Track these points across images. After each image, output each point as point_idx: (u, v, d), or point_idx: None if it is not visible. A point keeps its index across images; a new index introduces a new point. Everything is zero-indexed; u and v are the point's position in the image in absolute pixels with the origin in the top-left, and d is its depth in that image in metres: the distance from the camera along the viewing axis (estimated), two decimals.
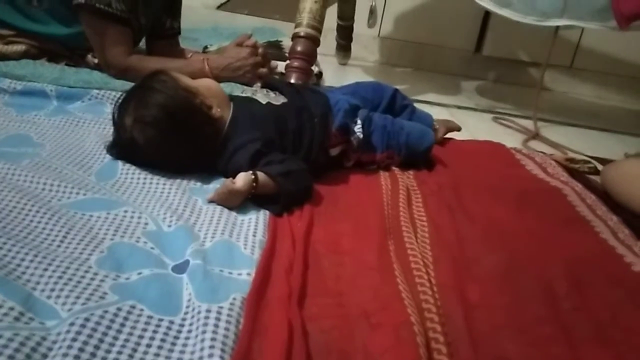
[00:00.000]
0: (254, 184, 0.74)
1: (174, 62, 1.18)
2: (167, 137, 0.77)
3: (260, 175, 0.75)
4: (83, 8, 1.10)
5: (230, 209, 0.73)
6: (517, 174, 1.04)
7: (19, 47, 1.15)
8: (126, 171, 0.78)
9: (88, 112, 1.00)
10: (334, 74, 1.80)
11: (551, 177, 1.03)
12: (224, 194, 0.73)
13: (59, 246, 0.60)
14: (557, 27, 1.42)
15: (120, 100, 0.81)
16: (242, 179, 0.74)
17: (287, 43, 1.49)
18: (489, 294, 0.64)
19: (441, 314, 0.58)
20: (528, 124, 1.47)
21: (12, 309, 0.49)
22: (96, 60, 1.17)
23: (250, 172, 0.75)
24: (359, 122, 0.92)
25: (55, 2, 1.14)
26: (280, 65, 1.32)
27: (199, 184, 0.80)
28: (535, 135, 1.40)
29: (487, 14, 2.00)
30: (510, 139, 1.32)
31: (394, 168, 0.97)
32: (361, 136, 0.91)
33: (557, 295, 0.65)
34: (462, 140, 1.18)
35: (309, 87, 0.99)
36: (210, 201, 0.74)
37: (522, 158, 1.13)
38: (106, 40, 1.13)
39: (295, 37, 1.26)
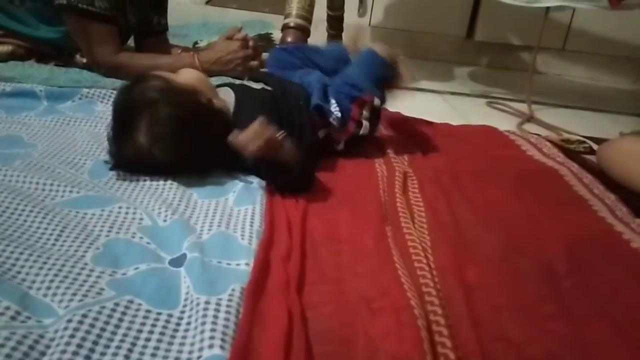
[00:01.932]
0: (281, 140, 0.74)
1: (164, 59, 1.17)
2: (186, 145, 0.76)
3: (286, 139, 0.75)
4: (65, 8, 1.09)
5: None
6: (514, 155, 1.04)
7: (6, 48, 1.14)
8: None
9: (79, 111, 0.99)
10: None
11: (547, 157, 1.03)
12: (254, 131, 0.71)
13: (54, 244, 0.59)
14: (548, 9, 1.41)
15: (117, 117, 0.76)
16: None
17: (277, 35, 1.48)
18: (488, 275, 0.64)
19: (441, 296, 0.58)
20: (522, 107, 1.47)
21: (7, 308, 0.48)
22: (85, 60, 1.16)
23: None
24: (332, 100, 0.91)
25: (38, 3, 1.12)
26: None
27: (193, 177, 0.79)
28: (530, 118, 1.40)
29: (478, 0, 2.00)
30: (505, 123, 1.31)
31: (389, 152, 0.96)
32: (339, 114, 0.90)
33: (557, 274, 0.65)
34: (457, 125, 1.17)
35: (288, 79, 0.97)
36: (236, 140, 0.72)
37: (518, 139, 1.12)
38: (92, 39, 1.11)
39: (285, 27, 1.25)
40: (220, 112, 0.81)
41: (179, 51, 1.32)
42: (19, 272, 0.54)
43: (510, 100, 1.56)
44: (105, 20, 1.11)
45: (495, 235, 0.72)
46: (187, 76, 0.83)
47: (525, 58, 2.08)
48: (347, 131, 0.91)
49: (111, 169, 0.77)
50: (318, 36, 1.77)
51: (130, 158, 0.76)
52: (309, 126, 0.86)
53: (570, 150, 1.12)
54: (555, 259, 0.67)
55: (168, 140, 0.74)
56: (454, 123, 1.20)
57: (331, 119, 0.90)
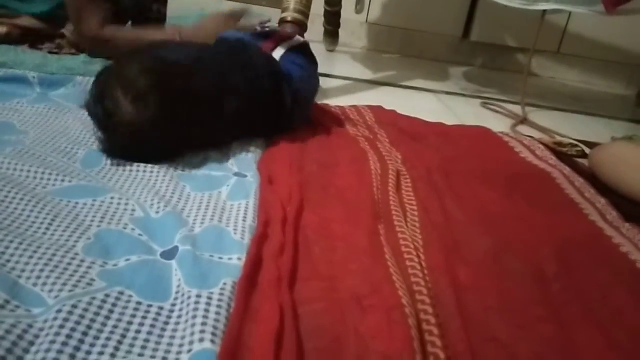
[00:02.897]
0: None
1: (148, 34, 1.16)
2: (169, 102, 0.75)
3: None
4: None
5: None
6: (507, 157, 1.04)
7: (0, 29, 1.12)
8: (112, 158, 0.77)
9: (72, 100, 0.98)
10: (322, 61, 1.77)
11: (540, 160, 1.03)
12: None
13: (44, 234, 0.59)
14: (544, 12, 1.42)
15: (95, 98, 0.76)
16: None
17: (274, 24, 1.47)
18: (479, 276, 0.64)
19: (432, 296, 0.58)
20: (516, 109, 1.48)
21: None
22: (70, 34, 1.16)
23: None
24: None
25: None
26: None
27: (187, 170, 0.79)
28: (524, 120, 1.40)
29: (475, 0, 2.00)
30: (499, 124, 1.32)
31: (383, 150, 0.96)
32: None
33: (547, 277, 0.65)
34: (451, 125, 1.18)
35: None
36: None
37: (511, 141, 1.13)
38: (84, 12, 1.12)
39: (282, 22, 1.24)
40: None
41: None
42: (8, 261, 0.53)
43: (505, 101, 1.56)
44: None
45: (486, 236, 0.73)
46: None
47: (520, 60, 2.09)
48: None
49: (103, 150, 0.78)
50: (315, 31, 1.77)
51: (116, 132, 0.75)
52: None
53: (563, 153, 1.13)
54: (545, 262, 0.68)
55: (145, 93, 0.73)
56: (448, 123, 1.21)
57: None
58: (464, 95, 1.63)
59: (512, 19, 1.90)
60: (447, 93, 1.61)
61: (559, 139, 1.26)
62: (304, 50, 1.02)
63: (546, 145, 1.12)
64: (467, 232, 0.73)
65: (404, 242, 0.67)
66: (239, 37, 1.00)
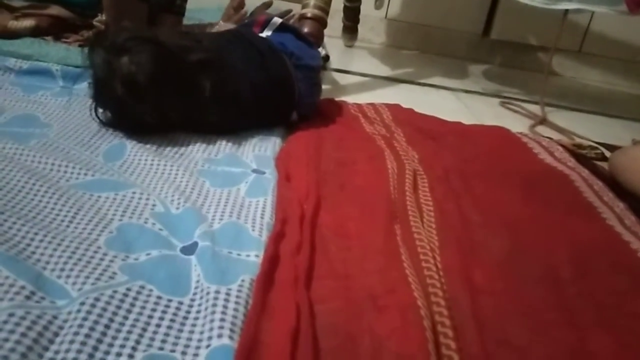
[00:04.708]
0: None
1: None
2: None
3: None
4: None
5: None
6: (525, 158, 1.04)
7: (29, 23, 1.14)
8: (134, 153, 0.78)
9: None
10: (340, 56, 1.79)
11: (558, 162, 1.03)
12: None
13: (67, 226, 0.60)
14: (567, 11, 1.40)
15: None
16: None
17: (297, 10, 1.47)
18: (494, 279, 0.64)
19: (447, 298, 0.58)
20: (535, 108, 1.46)
21: (23, 287, 0.49)
22: (103, 26, 1.17)
23: None
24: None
25: None
26: None
27: (206, 165, 0.80)
28: (543, 120, 1.39)
29: None
30: (518, 124, 1.31)
31: (399, 149, 0.97)
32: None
33: (562, 281, 0.65)
34: (469, 125, 1.17)
35: None
36: None
37: (530, 142, 1.12)
38: (124, 14, 1.14)
39: (301, 18, 1.25)
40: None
41: None
42: (33, 252, 0.55)
43: (524, 101, 1.55)
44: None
45: (502, 238, 0.73)
46: None
47: (540, 58, 2.07)
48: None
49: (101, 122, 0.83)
50: (333, 26, 1.77)
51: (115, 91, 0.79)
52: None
53: (582, 155, 1.12)
54: (560, 265, 0.68)
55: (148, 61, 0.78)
56: (467, 122, 1.20)
57: None
58: (482, 93, 1.61)
59: (533, 17, 1.87)
60: (466, 91, 1.60)
61: (578, 140, 1.25)
62: (286, 29, 1.05)
63: (565, 147, 1.11)
64: (484, 233, 0.73)
65: (420, 242, 0.67)
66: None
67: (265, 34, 1.01)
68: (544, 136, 1.22)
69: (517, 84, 1.78)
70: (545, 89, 1.47)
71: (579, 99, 1.74)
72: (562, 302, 0.62)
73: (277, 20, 1.02)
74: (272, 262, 0.58)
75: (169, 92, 0.81)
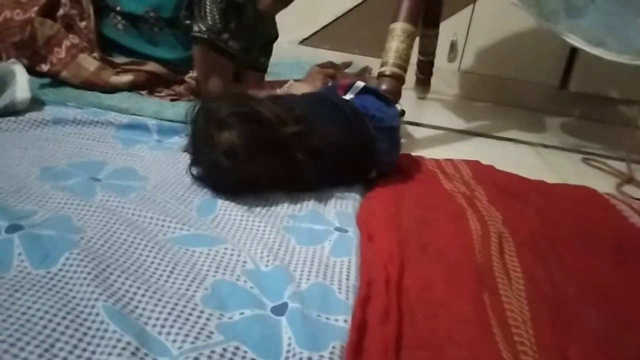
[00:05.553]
0: None
1: (262, 93, 1.24)
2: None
3: None
4: (203, 41, 1.20)
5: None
6: (615, 222, 0.99)
7: (127, 78, 1.24)
8: (225, 208, 0.82)
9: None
10: (413, 108, 1.80)
11: None
12: None
13: (166, 281, 0.63)
14: None
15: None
16: None
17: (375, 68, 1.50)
18: (591, 356, 0.61)
19: None
20: (620, 165, 1.40)
21: (129, 343, 0.51)
22: (193, 82, 1.26)
23: None
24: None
25: (177, 29, 1.24)
26: None
27: (290, 222, 0.82)
28: (630, 179, 1.33)
29: (574, 49, 1.94)
30: (603, 183, 1.26)
31: (482, 209, 0.95)
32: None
33: None
34: (554, 184, 1.14)
35: None
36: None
37: (619, 204, 1.07)
38: (214, 71, 1.23)
39: (380, 75, 1.27)
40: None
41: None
42: (136, 307, 0.57)
43: (607, 157, 1.49)
44: (230, 59, 1.23)
45: (597, 311, 0.69)
46: None
47: (622, 111, 1.99)
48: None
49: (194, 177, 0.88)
50: (406, 78, 1.79)
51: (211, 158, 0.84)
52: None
53: None
54: None
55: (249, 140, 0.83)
56: (548, 179, 1.17)
57: None
58: (563, 149, 1.57)
59: (615, 69, 1.81)
60: (545, 146, 1.56)
61: None
62: (367, 92, 1.07)
63: None
64: (578, 305, 0.70)
65: (511, 313, 0.65)
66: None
67: (349, 96, 1.04)
68: (632, 197, 1.16)
69: (599, 139, 1.72)
70: (632, 145, 1.41)
71: None
72: None
73: (360, 84, 1.06)
74: (360, 329, 0.58)
75: (265, 162, 0.85)
